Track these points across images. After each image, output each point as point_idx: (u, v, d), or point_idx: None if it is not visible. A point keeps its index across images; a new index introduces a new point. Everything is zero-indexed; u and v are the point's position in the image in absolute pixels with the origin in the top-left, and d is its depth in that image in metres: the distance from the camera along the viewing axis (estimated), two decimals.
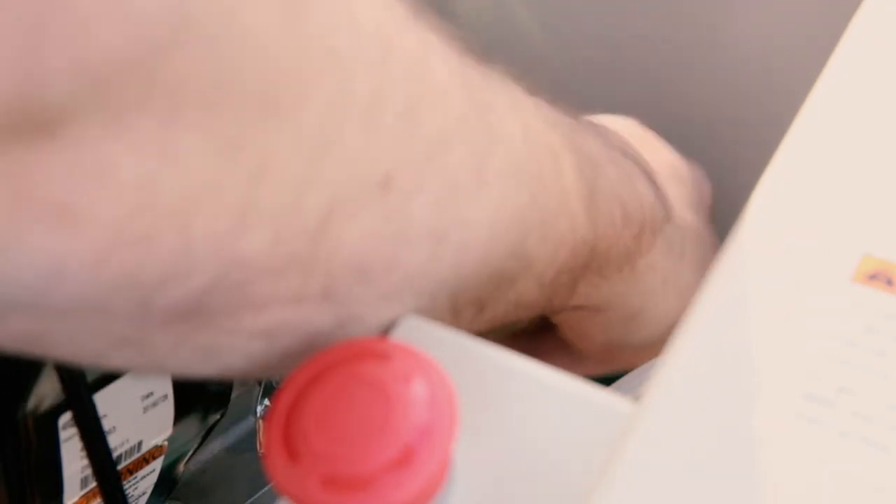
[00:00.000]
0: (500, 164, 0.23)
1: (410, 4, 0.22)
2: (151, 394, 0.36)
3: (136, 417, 0.37)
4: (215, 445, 0.49)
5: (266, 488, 0.48)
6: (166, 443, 0.41)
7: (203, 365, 0.20)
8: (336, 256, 0.19)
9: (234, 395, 0.41)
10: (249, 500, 0.48)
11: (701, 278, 0.23)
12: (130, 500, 0.42)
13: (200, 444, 0.47)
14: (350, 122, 0.18)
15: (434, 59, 0.21)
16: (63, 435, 0.35)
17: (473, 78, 0.23)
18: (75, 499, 0.40)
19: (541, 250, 0.25)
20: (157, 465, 0.43)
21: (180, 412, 0.38)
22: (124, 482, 0.41)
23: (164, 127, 0.15)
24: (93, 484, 0.40)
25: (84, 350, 0.19)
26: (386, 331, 0.22)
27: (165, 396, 0.37)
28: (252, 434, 0.48)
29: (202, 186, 0.16)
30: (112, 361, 0.20)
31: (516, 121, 0.24)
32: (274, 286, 0.19)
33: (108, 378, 0.33)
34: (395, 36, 0.20)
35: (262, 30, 0.16)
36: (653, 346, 0.31)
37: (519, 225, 0.24)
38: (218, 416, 0.41)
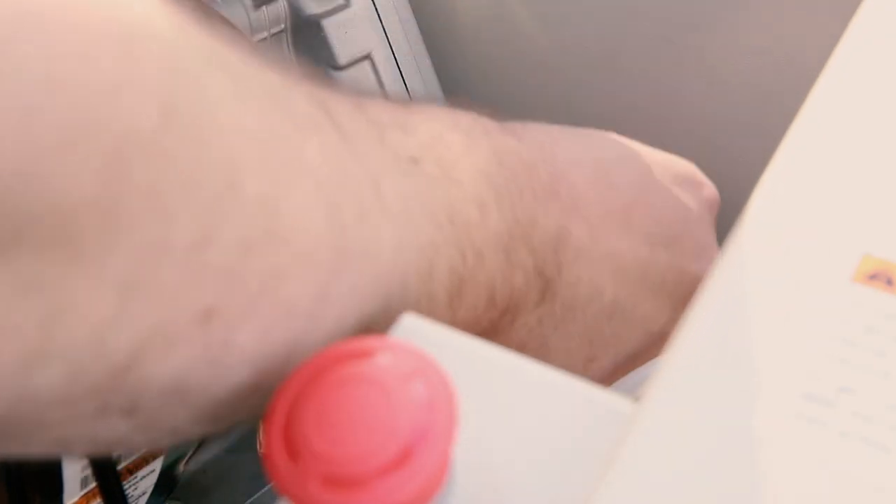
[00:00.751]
0: (353, 281, 0.22)
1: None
2: None
3: None
4: (215, 445, 0.49)
5: (266, 488, 0.48)
6: None
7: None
8: (146, 382, 0.19)
9: None
10: (249, 500, 0.48)
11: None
12: (130, 500, 0.42)
13: (200, 444, 0.47)
14: (167, 262, 0.18)
15: (303, 182, 0.20)
16: None
17: (355, 182, 0.22)
18: (75, 499, 0.40)
19: None
20: (157, 465, 0.43)
21: None
22: (124, 482, 0.41)
23: None
24: (93, 484, 0.40)
25: None
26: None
27: None
28: (252, 434, 0.48)
29: None
30: None
31: (393, 229, 0.23)
32: (71, 410, 0.19)
33: None
34: (249, 170, 0.19)
35: (75, 191, 0.16)
36: None
37: (363, 334, 0.22)
38: None
